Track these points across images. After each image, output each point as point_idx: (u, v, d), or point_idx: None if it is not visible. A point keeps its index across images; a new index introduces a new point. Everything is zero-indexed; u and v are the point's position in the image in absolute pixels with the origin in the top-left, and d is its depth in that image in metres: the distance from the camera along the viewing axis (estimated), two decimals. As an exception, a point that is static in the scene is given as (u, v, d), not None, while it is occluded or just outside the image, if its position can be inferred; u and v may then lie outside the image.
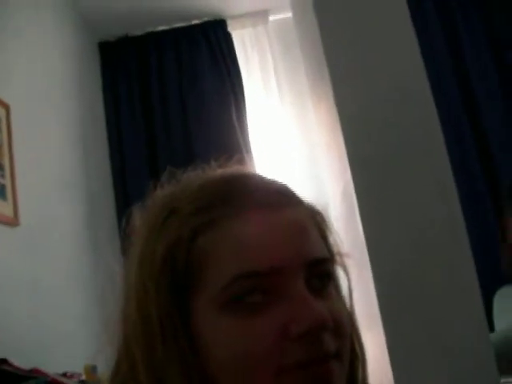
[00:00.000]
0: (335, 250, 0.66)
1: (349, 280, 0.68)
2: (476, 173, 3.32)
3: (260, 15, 3.56)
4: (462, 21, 3.60)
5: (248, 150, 3.26)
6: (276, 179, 0.66)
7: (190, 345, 0.58)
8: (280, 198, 0.62)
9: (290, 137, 3.37)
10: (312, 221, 0.64)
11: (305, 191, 0.67)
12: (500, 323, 2.75)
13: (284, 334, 0.56)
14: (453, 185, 1.71)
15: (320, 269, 0.61)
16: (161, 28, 3.57)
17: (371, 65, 1.77)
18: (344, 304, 0.65)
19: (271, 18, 3.57)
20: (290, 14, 3.24)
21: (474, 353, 1.61)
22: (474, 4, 3.62)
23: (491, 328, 2.67)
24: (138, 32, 3.56)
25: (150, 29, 3.56)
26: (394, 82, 1.75)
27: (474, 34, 3.54)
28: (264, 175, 0.67)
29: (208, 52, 3.52)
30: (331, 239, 0.67)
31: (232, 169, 0.68)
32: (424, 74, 1.76)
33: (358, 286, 0.70)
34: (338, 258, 0.66)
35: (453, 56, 3.52)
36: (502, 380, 1.73)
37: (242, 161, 0.70)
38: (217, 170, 0.67)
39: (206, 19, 3.55)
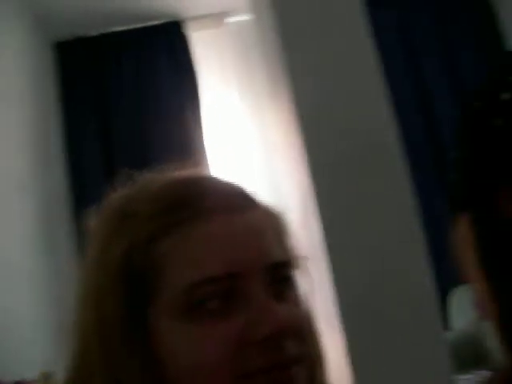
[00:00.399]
0: (294, 253, 0.66)
1: (308, 283, 0.68)
2: (430, 175, 3.38)
3: (218, 17, 3.55)
4: (417, 26, 3.67)
5: (205, 151, 3.25)
6: (234, 182, 0.65)
7: (149, 351, 0.56)
8: (239, 201, 0.61)
9: (248, 138, 3.37)
10: (271, 224, 0.63)
11: (263, 194, 0.67)
12: (456, 322, 2.80)
13: (245, 340, 0.55)
14: (409, 188, 1.73)
15: (279, 272, 0.61)
16: (119, 28, 3.53)
17: (330, 67, 1.78)
18: (303, 307, 0.65)
19: (229, 19, 3.56)
20: (247, 17, 3.24)
21: (430, 353, 1.63)
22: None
23: (448, 327, 2.72)
24: (96, 32, 3.52)
25: (108, 29, 3.51)
26: (352, 85, 1.77)
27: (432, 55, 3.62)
28: (222, 178, 0.66)
29: (166, 53, 3.50)
30: (290, 242, 0.66)
31: (190, 171, 0.66)
32: (380, 78, 1.78)
33: (316, 289, 0.70)
34: (296, 261, 0.66)
35: (410, 69, 3.59)
36: (461, 376, 1.76)
37: (199, 163, 0.69)
38: (174, 173, 0.66)
39: (164, 20, 3.53)
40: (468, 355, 2.18)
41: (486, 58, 3.63)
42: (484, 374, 1.79)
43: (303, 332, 0.59)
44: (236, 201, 0.61)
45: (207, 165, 3.07)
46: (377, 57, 1.79)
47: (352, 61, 1.79)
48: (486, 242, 0.58)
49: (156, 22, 3.53)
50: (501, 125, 0.55)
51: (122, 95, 3.41)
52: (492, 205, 0.56)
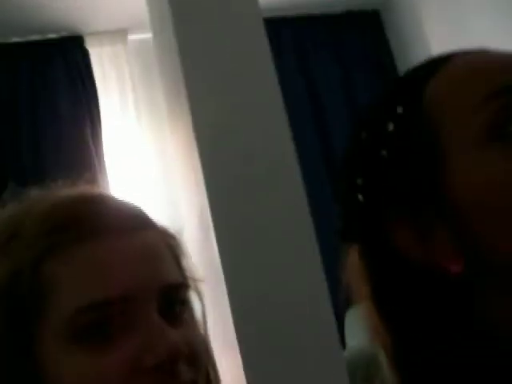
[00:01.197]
0: (189, 274, 0.65)
1: (203, 306, 0.67)
2: (328, 196, 3.46)
3: (119, 34, 3.50)
4: (315, 52, 3.79)
5: (102, 171, 3.17)
6: (129, 201, 0.63)
7: (34, 380, 0.53)
8: (132, 221, 0.59)
9: (146, 158, 3.33)
10: (166, 245, 0.62)
11: (160, 214, 0.65)
12: (351, 340, 2.87)
13: (137, 366, 0.53)
14: (307, 209, 1.75)
15: (174, 295, 0.59)
16: (14, 39, 3.39)
17: (230, 88, 1.78)
18: (199, 331, 0.63)
19: (131, 37, 3.52)
20: (149, 35, 3.21)
21: (329, 372, 1.65)
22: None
23: (344, 345, 2.78)
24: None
25: (3, 39, 3.37)
26: (251, 106, 1.78)
27: (327, 71, 3.74)
28: (116, 197, 0.64)
29: (64, 67, 3.39)
30: (185, 264, 0.65)
31: (82, 189, 0.64)
32: (280, 99, 1.81)
33: (213, 310, 0.69)
34: (192, 283, 0.65)
35: (307, 85, 3.68)
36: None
37: (92, 181, 0.67)
38: (65, 191, 0.63)
39: (63, 34, 3.43)
40: (362, 372, 2.23)
41: (380, 79, 3.80)
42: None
43: (198, 357, 0.58)
44: (129, 221, 0.59)
45: (104, 183, 2.99)
46: (276, 79, 1.82)
47: (251, 82, 1.80)
48: (376, 274, 0.59)
49: (54, 35, 3.42)
50: (387, 155, 0.56)
51: (16, 108, 3.27)
52: (380, 236, 0.57)
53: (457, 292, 0.54)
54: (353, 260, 0.61)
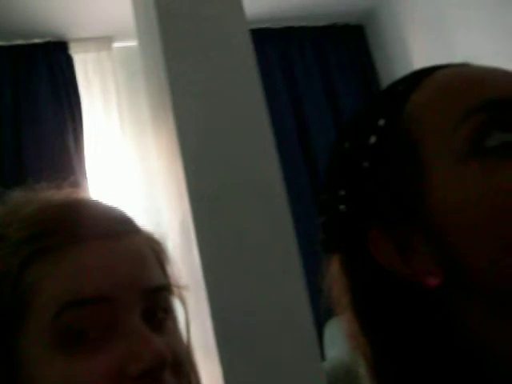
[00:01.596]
0: (173, 281, 0.65)
1: (186, 313, 0.67)
2: (310, 207, 3.46)
3: (104, 41, 3.49)
4: (300, 64, 3.81)
5: (85, 177, 3.16)
6: (113, 207, 0.63)
7: None
8: (117, 225, 0.59)
9: (129, 165, 3.32)
10: (150, 250, 0.62)
11: (142, 220, 0.65)
12: (330, 352, 2.87)
13: (121, 374, 0.52)
14: (289, 218, 1.76)
15: (158, 300, 0.59)
16: (-2, 43, 3.37)
17: (214, 98, 1.79)
18: (181, 338, 0.63)
19: (116, 44, 3.51)
20: (135, 42, 3.21)
21: (308, 383, 1.65)
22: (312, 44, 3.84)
23: (323, 357, 2.78)
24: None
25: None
26: (236, 115, 1.79)
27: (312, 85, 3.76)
28: (101, 202, 0.63)
29: (47, 73, 3.38)
30: (169, 270, 0.65)
31: (67, 193, 0.63)
32: (265, 111, 1.81)
33: (194, 317, 0.69)
34: (175, 289, 0.64)
35: (291, 97, 3.70)
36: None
37: (76, 185, 0.66)
38: (51, 194, 0.63)
39: (47, 39, 3.41)
40: (342, 383, 2.24)
41: (363, 92, 3.83)
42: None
43: (182, 365, 0.58)
44: (114, 226, 0.59)
45: (87, 188, 2.98)
46: (261, 89, 1.83)
47: (236, 92, 1.81)
48: (357, 284, 0.59)
49: (39, 40, 3.41)
50: (368, 167, 0.57)
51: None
52: (361, 247, 0.57)
53: (435, 304, 0.54)
54: (334, 270, 0.61)
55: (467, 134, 0.52)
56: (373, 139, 0.57)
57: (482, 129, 0.51)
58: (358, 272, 0.59)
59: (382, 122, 0.57)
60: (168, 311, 0.60)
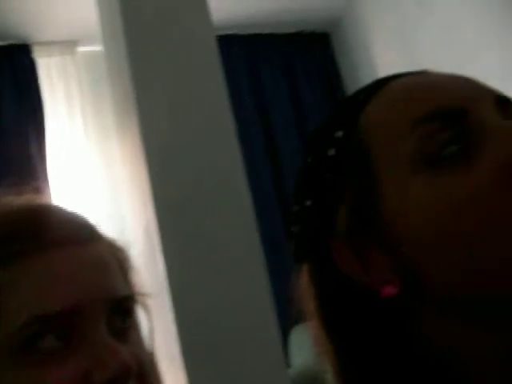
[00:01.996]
0: (137, 289, 0.64)
1: (150, 321, 0.66)
2: (275, 211, 3.47)
3: (68, 44, 3.45)
4: (267, 71, 3.82)
5: (47, 183, 3.11)
6: (76, 213, 0.62)
7: None
8: (80, 232, 0.58)
9: (93, 171, 3.28)
10: (114, 258, 0.61)
11: (107, 227, 0.64)
12: (296, 359, 2.88)
13: (87, 383, 0.51)
14: (254, 224, 1.75)
15: (122, 309, 0.58)
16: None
17: (180, 103, 1.78)
18: (145, 346, 0.62)
19: (80, 48, 3.48)
20: (100, 47, 3.18)
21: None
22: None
23: (289, 364, 2.78)
24: None
25: None
26: (201, 121, 1.78)
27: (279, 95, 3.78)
28: (64, 209, 0.62)
29: (10, 76, 3.32)
30: (133, 278, 0.64)
31: (29, 200, 0.62)
32: (230, 117, 1.81)
33: (158, 326, 0.68)
34: (139, 297, 0.64)
35: (257, 103, 3.71)
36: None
37: (38, 191, 0.65)
38: (12, 200, 0.61)
39: (10, 42, 3.36)
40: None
41: (328, 99, 3.87)
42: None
43: (146, 373, 0.57)
44: (77, 233, 0.58)
45: (49, 194, 2.93)
46: (227, 95, 1.82)
47: (202, 99, 1.80)
48: (323, 292, 0.60)
49: (2, 43, 3.35)
50: (329, 179, 0.58)
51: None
52: (326, 256, 0.58)
53: (395, 312, 0.55)
54: (303, 279, 0.62)
55: (413, 145, 0.53)
56: (332, 151, 0.59)
57: (427, 140, 0.52)
58: (323, 280, 0.60)
59: (340, 134, 0.59)
60: (132, 320, 0.60)
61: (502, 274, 0.49)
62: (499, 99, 0.55)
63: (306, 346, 2.82)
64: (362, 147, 0.57)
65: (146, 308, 0.66)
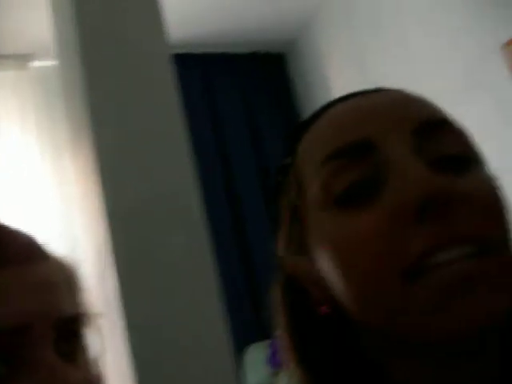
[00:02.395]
0: (86, 309, 0.63)
1: (100, 341, 0.65)
2: (229, 233, 3.47)
3: (22, 59, 3.40)
4: (222, 90, 3.84)
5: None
6: (24, 232, 0.60)
7: None
8: (28, 251, 0.57)
9: (45, 189, 3.22)
10: (62, 277, 0.60)
11: (57, 246, 0.63)
12: (250, 378, 2.87)
13: None
14: (208, 245, 1.75)
15: (70, 329, 0.57)
16: None
17: (134, 121, 1.77)
18: (94, 369, 0.61)
19: (34, 63, 3.43)
20: (54, 62, 3.14)
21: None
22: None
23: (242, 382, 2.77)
24: None
25: None
26: (155, 139, 1.77)
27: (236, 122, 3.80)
28: (11, 227, 0.61)
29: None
30: (82, 298, 0.63)
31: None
32: (185, 133, 1.81)
33: (110, 346, 0.67)
34: (88, 317, 0.62)
35: (213, 121, 3.72)
36: None
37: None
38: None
39: (-40, 56, 3.29)
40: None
41: (283, 120, 3.91)
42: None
43: None
44: (25, 251, 0.56)
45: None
46: (182, 113, 1.82)
47: (157, 118, 1.80)
48: (288, 309, 0.61)
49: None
50: (275, 203, 0.61)
51: None
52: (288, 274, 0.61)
53: (342, 330, 0.57)
54: (275, 295, 0.63)
55: (319, 183, 0.54)
56: (280, 177, 0.61)
57: (329, 179, 0.53)
58: (290, 298, 0.61)
59: (287, 161, 0.60)
60: (80, 340, 0.58)
61: (384, 321, 0.51)
62: (420, 126, 0.53)
63: (260, 365, 2.81)
64: (296, 177, 0.58)
65: (96, 328, 0.64)
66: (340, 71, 3.75)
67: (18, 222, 0.60)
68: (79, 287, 0.62)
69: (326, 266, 0.53)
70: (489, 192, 0.51)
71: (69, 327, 0.56)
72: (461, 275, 0.46)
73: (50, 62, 3.27)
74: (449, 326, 0.46)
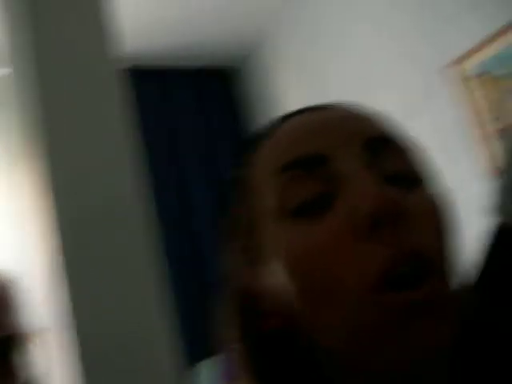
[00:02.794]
0: (30, 326, 0.61)
1: (46, 357, 0.64)
2: (184, 246, 3.45)
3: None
4: (179, 111, 3.84)
5: None
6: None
7: None
8: None
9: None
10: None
11: (6, 258, 0.62)
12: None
13: None
14: (161, 259, 1.74)
15: (8, 346, 0.56)
16: None
17: (88, 133, 1.75)
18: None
19: (-13, 71, 3.35)
20: (8, 70, 3.08)
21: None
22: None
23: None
24: None
25: None
26: (109, 152, 1.76)
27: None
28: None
29: None
30: (24, 315, 0.61)
31: None
32: (139, 148, 1.80)
33: (58, 361, 0.66)
34: (34, 334, 0.61)
35: (169, 139, 3.71)
36: None
37: None
38: None
39: None
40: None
41: (238, 135, 3.93)
42: None
43: None
44: None
45: None
46: (136, 126, 1.81)
47: (111, 128, 1.78)
48: (242, 324, 0.61)
49: None
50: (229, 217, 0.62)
51: None
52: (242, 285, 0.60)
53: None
54: (225, 309, 0.63)
55: (273, 196, 0.55)
56: (233, 188, 0.62)
57: (282, 192, 0.54)
58: (239, 307, 0.61)
59: (241, 172, 0.61)
60: (23, 358, 0.57)
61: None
62: (369, 141, 0.55)
63: (212, 380, 2.80)
64: (250, 187, 0.59)
65: (43, 343, 0.63)
66: (295, 86, 3.79)
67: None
68: (12, 307, 0.61)
69: (280, 278, 0.53)
70: (434, 210, 0.52)
71: (7, 345, 0.55)
72: (401, 306, 0.47)
73: (4, 70, 3.21)
74: (390, 357, 0.47)
